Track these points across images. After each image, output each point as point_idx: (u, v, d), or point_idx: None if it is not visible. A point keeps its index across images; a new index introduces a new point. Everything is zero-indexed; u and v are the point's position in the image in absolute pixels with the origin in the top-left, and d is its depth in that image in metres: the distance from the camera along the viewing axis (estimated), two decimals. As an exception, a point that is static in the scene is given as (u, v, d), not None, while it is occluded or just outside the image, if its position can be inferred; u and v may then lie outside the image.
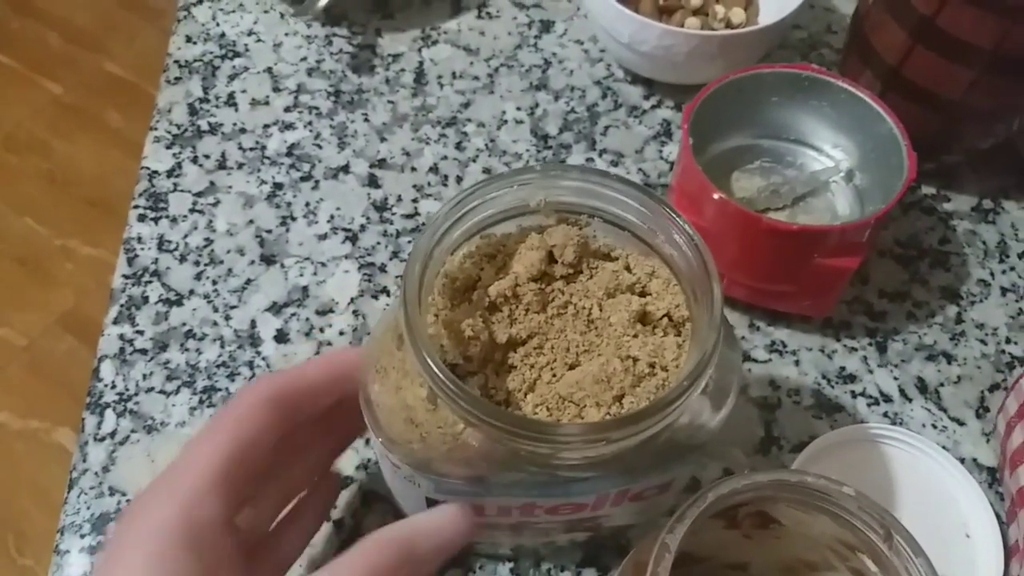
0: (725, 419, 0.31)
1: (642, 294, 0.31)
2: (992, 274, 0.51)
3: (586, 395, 0.29)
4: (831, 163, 0.49)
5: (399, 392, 0.29)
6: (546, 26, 0.62)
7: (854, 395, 0.46)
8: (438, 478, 0.30)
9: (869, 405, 0.46)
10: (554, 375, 0.29)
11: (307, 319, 0.47)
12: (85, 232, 1.35)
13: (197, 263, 0.49)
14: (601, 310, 0.30)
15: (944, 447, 0.43)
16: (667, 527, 0.27)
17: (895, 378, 0.47)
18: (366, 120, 0.56)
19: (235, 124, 0.56)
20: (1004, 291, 0.50)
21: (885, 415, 0.45)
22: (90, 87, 1.53)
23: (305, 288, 0.49)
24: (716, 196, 0.42)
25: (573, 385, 0.29)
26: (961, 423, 0.46)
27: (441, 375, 0.26)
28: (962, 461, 0.43)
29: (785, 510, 0.31)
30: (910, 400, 0.46)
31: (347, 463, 0.43)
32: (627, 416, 0.27)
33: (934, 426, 0.45)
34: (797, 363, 0.47)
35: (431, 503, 0.32)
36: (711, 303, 0.28)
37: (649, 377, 0.29)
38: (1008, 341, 0.48)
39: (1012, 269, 0.51)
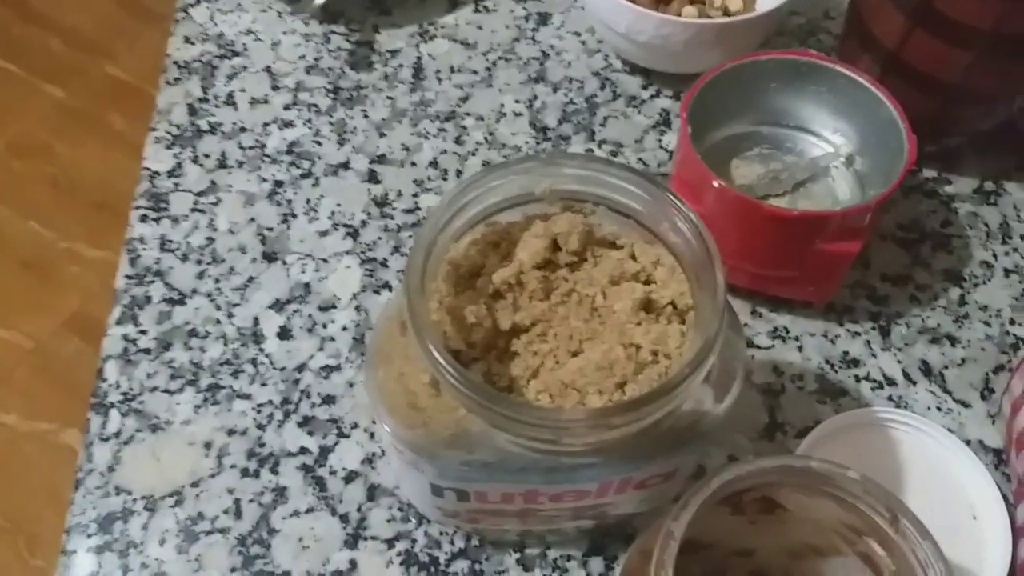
0: (730, 407, 0.31)
1: (647, 282, 0.31)
2: (995, 256, 0.51)
3: (588, 382, 0.29)
4: (831, 148, 0.49)
5: (402, 378, 0.29)
6: (543, 18, 0.62)
7: (858, 379, 0.46)
8: (441, 464, 0.30)
9: (873, 389, 0.46)
10: (557, 362, 0.29)
11: (310, 315, 0.48)
12: (90, 235, 1.35)
13: (199, 262, 0.49)
14: (605, 298, 0.30)
15: (949, 429, 0.43)
16: (671, 514, 0.27)
17: (899, 361, 0.47)
18: (365, 116, 0.56)
19: (235, 123, 0.56)
20: (1007, 272, 0.50)
21: (889, 399, 0.45)
22: (93, 91, 1.53)
23: (307, 284, 0.49)
24: (716, 184, 0.42)
25: (575, 372, 0.29)
26: (966, 405, 0.45)
27: (443, 361, 0.26)
28: (968, 443, 0.43)
29: (790, 495, 0.31)
30: (914, 383, 0.46)
31: (352, 457, 0.43)
32: (629, 402, 0.27)
33: (939, 409, 0.45)
34: (800, 348, 0.47)
35: (435, 489, 0.32)
36: (714, 289, 0.28)
37: (652, 365, 0.29)
38: (1012, 322, 0.48)
39: (1015, 250, 0.51)
